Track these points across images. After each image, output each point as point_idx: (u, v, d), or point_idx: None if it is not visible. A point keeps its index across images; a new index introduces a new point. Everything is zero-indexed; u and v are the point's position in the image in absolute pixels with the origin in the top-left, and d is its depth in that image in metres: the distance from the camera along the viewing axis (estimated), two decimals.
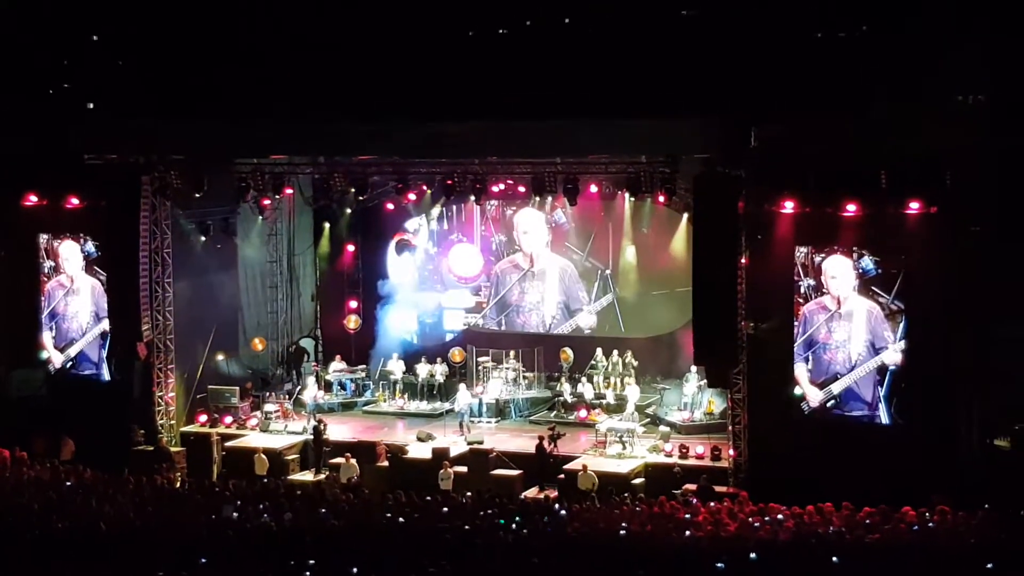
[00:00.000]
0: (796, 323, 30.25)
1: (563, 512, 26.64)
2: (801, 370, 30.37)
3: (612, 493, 28.89)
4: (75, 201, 35.10)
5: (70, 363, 36.33)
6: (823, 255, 29.90)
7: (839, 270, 29.87)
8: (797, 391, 30.38)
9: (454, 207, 38.80)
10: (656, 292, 37.14)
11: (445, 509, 26.90)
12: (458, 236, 39.84)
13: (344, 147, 33.12)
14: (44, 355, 36.45)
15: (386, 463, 32.97)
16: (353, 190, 35.24)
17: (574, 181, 32.69)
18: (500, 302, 39.40)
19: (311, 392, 37.14)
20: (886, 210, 28.90)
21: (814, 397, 30.32)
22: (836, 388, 30.14)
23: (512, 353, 37.96)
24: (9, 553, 22.30)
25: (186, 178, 34.01)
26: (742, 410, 30.63)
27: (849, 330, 29.94)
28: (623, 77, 30.79)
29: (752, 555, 22.36)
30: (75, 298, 36.13)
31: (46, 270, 36.31)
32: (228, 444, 34.57)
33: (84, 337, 36.10)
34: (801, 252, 30.12)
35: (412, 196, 37.07)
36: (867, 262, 29.50)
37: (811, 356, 30.32)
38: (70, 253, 35.99)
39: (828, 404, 30.24)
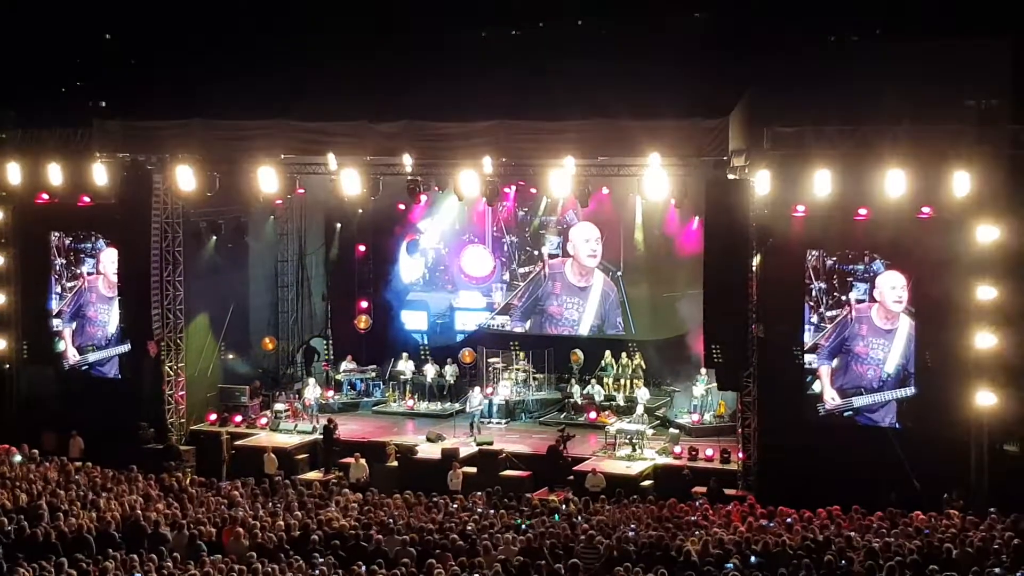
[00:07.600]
0: (839, 319, 30.08)
1: (572, 513, 26.77)
2: (826, 371, 30.34)
3: (621, 495, 28.89)
4: (87, 199, 35.10)
5: (86, 367, 36.55)
6: (882, 265, 29.80)
7: (896, 285, 29.74)
8: (816, 387, 30.39)
9: (466, 208, 38.58)
10: (667, 294, 36.97)
11: (455, 507, 26.96)
12: (470, 237, 39.79)
13: (355, 147, 32.98)
14: (61, 346, 36.58)
15: (395, 463, 32.98)
16: (364, 190, 35.09)
17: (585, 183, 32.59)
18: (535, 306, 39.22)
19: (312, 392, 37.18)
20: (897, 214, 28.81)
21: (831, 400, 30.31)
22: (857, 402, 30.15)
23: (522, 355, 37.96)
24: (18, 549, 22.32)
25: (198, 178, 34.00)
26: (752, 413, 30.62)
27: (888, 349, 29.89)
28: (635, 78, 30.68)
29: (753, 559, 22.36)
30: (106, 306, 36.27)
31: (58, 268, 36.39)
32: (238, 443, 34.62)
33: (106, 349, 36.34)
34: (812, 256, 30.12)
35: (423, 197, 37.08)
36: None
37: (839, 360, 30.27)
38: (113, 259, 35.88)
39: (844, 413, 30.25)
